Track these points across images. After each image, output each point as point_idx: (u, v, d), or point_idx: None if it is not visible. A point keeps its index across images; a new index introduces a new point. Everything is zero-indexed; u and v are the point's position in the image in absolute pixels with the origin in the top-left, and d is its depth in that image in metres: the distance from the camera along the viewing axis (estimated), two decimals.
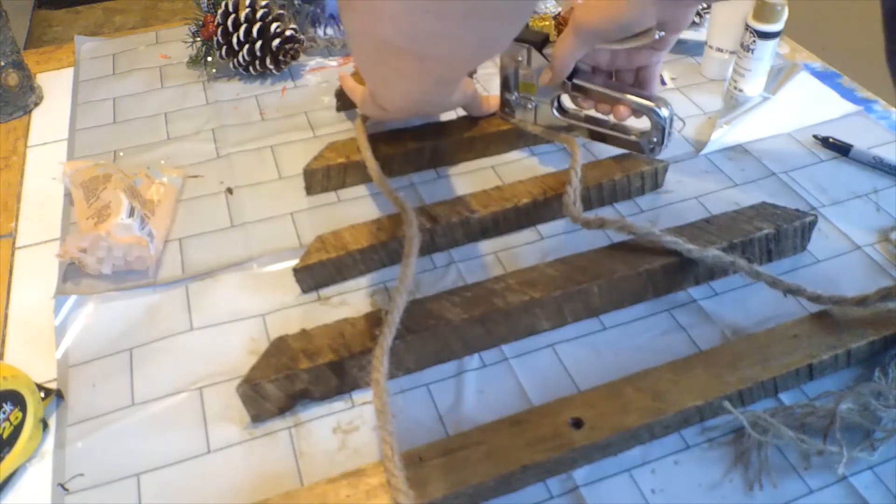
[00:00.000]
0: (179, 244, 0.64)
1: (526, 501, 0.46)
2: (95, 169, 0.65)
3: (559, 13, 0.89)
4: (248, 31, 0.81)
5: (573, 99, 0.65)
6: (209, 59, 0.85)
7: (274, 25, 0.81)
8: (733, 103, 0.78)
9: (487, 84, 0.83)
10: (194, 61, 0.86)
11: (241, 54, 0.81)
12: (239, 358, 0.55)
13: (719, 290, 0.59)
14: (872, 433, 0.47)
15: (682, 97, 0.80)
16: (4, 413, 0.48)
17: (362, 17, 0.42)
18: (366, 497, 0.43)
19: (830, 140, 0.72)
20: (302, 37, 0.84)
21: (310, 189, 0.69)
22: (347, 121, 0.78)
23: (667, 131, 0.61)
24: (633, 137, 0.63)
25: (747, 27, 0.73)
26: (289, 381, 0.50)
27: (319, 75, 0.85)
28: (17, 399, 0.49)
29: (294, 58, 0.84)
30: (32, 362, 0.54)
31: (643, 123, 0.62)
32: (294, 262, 0.59)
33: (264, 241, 0.64)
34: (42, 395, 0.51)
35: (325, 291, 0.60)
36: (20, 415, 0.49)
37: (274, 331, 0.56)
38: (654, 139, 0.62)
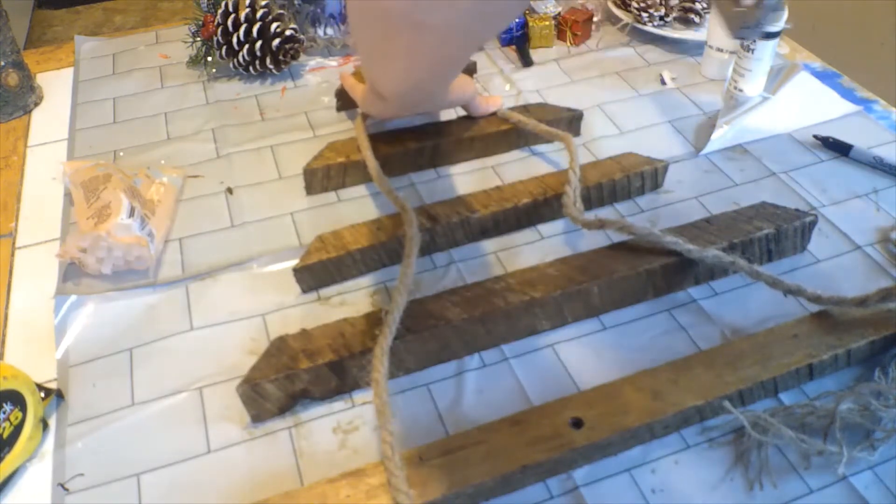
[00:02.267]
0: (179, 244, 0.64)
1: (526, 501, 0.46)
2: (95, 169, 0.65)
3: (559, 13, 0.89)
4: (248, 31, 0.81)
5: None
6: (209, 59, 0.85)
7: (274, 25, 0.81)
8: (733, 103, 0.78)
9: (487, 84, 0.83)
10: (194, 61, 0.86)
11: (241, 54, 0.81)
12: (239, 358, 0.55)
13: (719, 290, 0.59)
14: (872, 433, 0.47)
15: (682, 97, 0.80)
16: (4, 413, 0.48)
17: None
18: (366, 497, 0.43)
19: (830, 140, 0.72)
20: (302, 37, 0.84)
21: (310, 189, 0.69)
22: (347, 121, 0.78)
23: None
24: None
25: None
26: (289, 381, 0.50)
27: (319, 75, 0.85)
28: (17, 399, 0.49)
29: (294, 58, 0.84)
30: (32, 362, 0.54)
31: None
32: (294, 262, 0.59)
33: (264, 241, 0.64)
34: (42, 395, 0.51)
35: (325, 291, 0.60)
36: (20, 415, 0.49)
37: (274, 331, 0.56)
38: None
